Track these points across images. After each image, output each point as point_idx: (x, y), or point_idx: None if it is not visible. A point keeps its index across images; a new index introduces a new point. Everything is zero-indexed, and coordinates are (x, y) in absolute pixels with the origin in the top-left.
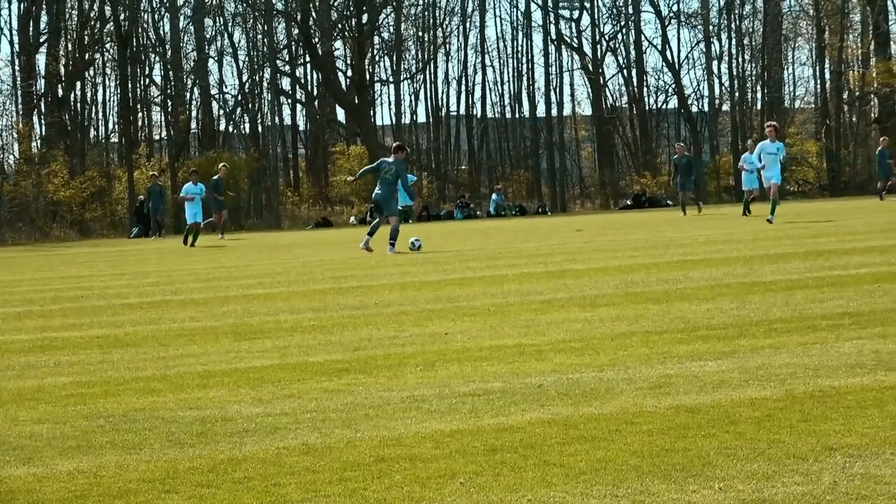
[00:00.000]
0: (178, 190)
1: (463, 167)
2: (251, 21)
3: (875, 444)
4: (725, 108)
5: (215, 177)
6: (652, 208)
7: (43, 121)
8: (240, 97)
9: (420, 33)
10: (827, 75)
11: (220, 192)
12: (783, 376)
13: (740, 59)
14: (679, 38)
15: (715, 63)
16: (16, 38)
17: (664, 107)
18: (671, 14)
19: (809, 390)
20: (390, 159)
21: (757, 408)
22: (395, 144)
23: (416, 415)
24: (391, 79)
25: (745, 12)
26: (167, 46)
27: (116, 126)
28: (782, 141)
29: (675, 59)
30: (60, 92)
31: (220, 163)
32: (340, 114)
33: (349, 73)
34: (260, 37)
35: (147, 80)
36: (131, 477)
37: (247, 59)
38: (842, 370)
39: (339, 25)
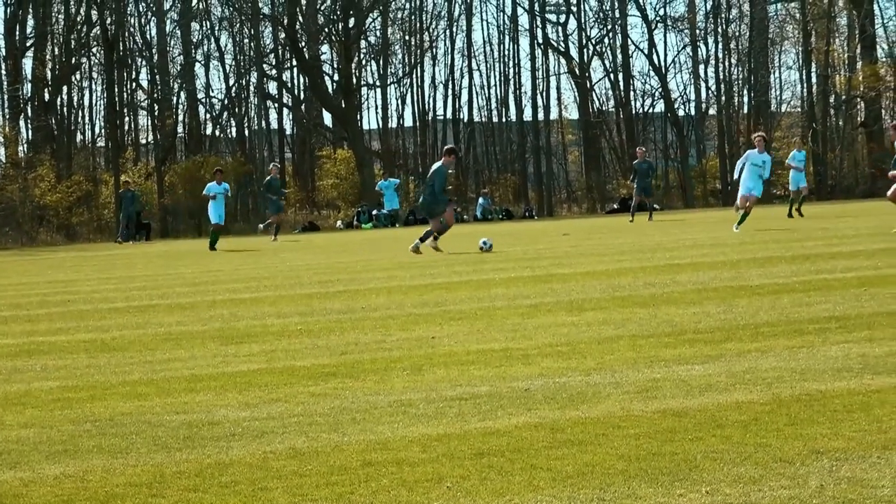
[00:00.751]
0: (165, 194)
1: (450, 171)
2: (238, 25)
3: (862, 448)
4: (712, 111)
5: (268, 177)
6: (638, 212)
7: (29, 125)
8: (226, 101)
9: (407, 37)
10: (813, 79)
11: (274, 193)
12: (770, 380)
13: (727, 63)
14: (666, 42)
15: (701, 67)
16: (2, 43)
17: (651, 111)
18: (658, 18)
19: (796, 394)
20: (437, 164)
21: (744, 411)
22: (450, 147)
23: (403, 419)
24: (378, 83)
25: (731, 16)
26: (154, 51)
27: (103, 130)
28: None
29: (662, 63)
30: (47, 96)
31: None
32: (327, 118)
33: (336, 77)
34: (247, 41)
35: (134, 85)
36: (118, 481)
37: (233, 63)
38: (828, 374)
39: (326, 29)
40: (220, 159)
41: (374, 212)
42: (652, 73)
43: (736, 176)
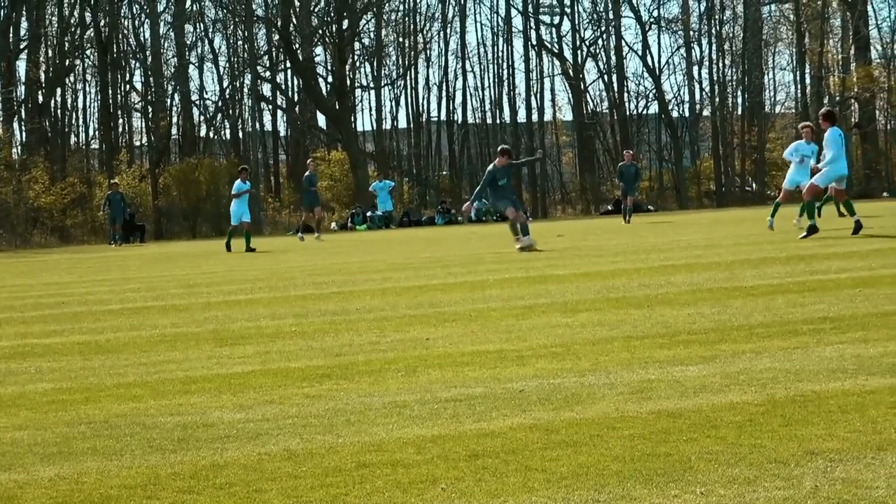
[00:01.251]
0: (159, 196)
1: (444, 173)
2: (232, 27)
3: (856, 449)
4: (706, 113)
5: (308, 172)
6: (632, 214)
7: (23, 127)
8: (220, 103)
9: (401, 39)
10: (807, 80)
11: (314, 186)
12: (764, 381)
13: (721, 65)
14: (659, 44)
15: (695, 68)
16: None
17: (645, 112)
18: (651, 19)
19: (791, 395)
20: (493, 166)
21: (738, 412)
22: (500, 148)
23: (397, 420)
24: (372, 84)
25: (725, 17)
26: (147, 52)
27: (97, 132)
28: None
29: (656, 65)
30: (41, 98)
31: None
32: (321, 120)
33: (330, 78)
34: (240, 43)
35: (127, 87)
36: (113, 483)
37: (227, 65)
38: (823, 375)
39: (320, 31)
40: (213, 161)
41: (369, 213)
42: (646, 75)
43: (788, 157)
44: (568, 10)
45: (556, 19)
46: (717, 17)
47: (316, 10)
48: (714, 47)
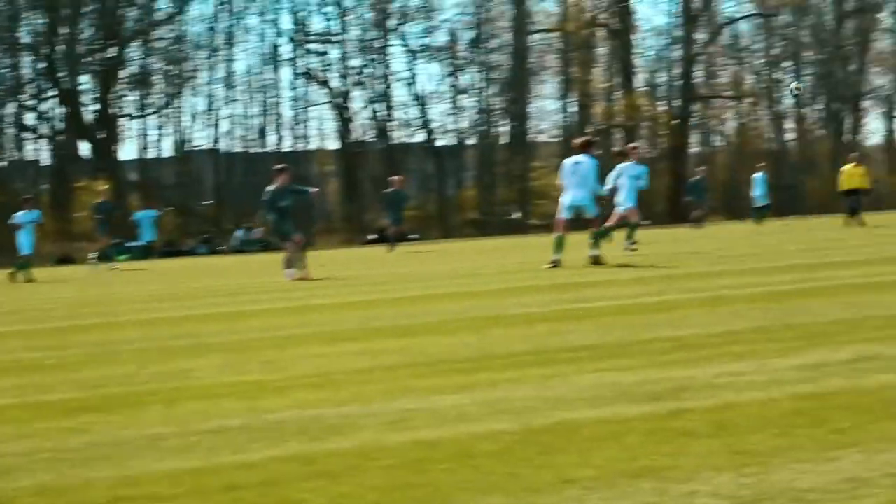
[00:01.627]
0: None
1: (208, 202)
2: None
3: (611, 476)
4: (472, 141)
5: (101, 200)
6: (397, 243)
7: None
8: None
9: (167, 67)
10: (572, 108)
11: (108, 216)
12: (522, 409)
13: (487, 93)
14: (426, 72)
15: (462, 97)
16: None
17: (411, 140)
18: (419, 48)
19: (548, 423)
20: (274, 186)
21: (495, 441)
22: (279, 167)
23: (153, 453)
24: (137, 113)
25: (492, 46)
26: None
27: None
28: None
29: (422, 93)
30: None
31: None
32: (86, 148)
33: (95, 107)
34: (4, 71)
35: None
36: None
37: None
38: (580, 402)
39: (86, 59)
40: None
41: (130, 244)
42: (412, 103)
43: (608, 186)
44: (336, 39)
45: (325, 47)
46: (483, 45)
47: (82, 37)
48: (481, 76)
